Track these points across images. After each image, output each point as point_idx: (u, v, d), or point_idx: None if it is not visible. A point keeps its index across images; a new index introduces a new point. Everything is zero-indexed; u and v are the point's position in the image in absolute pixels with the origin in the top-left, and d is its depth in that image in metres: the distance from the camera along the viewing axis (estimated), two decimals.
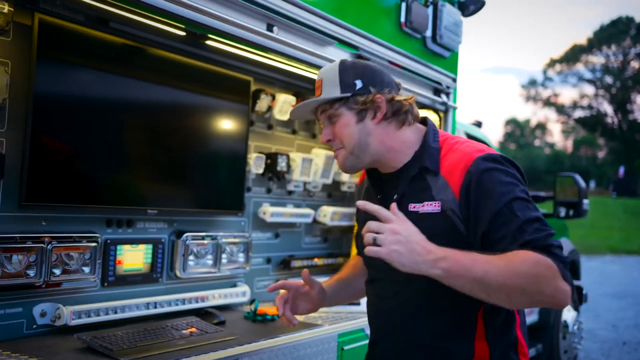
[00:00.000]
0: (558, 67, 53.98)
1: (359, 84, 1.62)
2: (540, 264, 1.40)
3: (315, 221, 3.08)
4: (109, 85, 2.12)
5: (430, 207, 1.59)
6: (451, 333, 1.58)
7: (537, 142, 62.53)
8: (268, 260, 2.88)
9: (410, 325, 1.62)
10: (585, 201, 4.73)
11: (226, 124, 2.54)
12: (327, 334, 2.34)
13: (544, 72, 54.88)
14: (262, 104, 2.69)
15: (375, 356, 1.75)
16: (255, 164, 2.69)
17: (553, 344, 5.38)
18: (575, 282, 5.96)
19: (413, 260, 1.40)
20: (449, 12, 2.93)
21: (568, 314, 5.66)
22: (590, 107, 53.98)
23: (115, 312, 2.13)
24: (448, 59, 3.10)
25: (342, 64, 1.67)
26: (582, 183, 4.77)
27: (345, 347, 2.41)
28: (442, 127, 3.10)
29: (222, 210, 2.56)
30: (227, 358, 1.92)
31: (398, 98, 1.65)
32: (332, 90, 1.63)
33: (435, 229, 1.53)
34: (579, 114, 53.50)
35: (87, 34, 2.03)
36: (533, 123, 62.03)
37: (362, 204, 1.52)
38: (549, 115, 72.20)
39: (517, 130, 63.24)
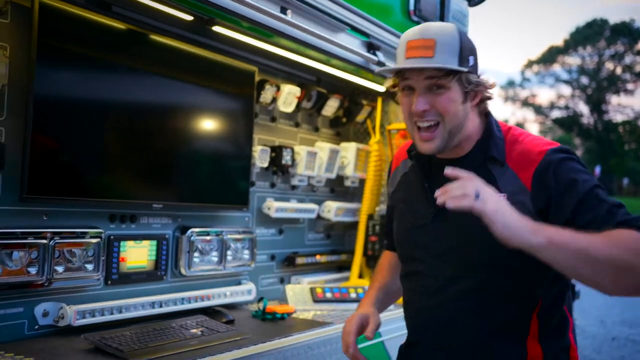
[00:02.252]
0: (535, 67, 54.63)
1: (471, 60, 1.50)
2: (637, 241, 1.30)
3: (318, 217, 2.99)
4: (112, 73, 2.01)
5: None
6: (504, 333, 1.48)
7: None
8: (272, 257, 2.78)
9: (459, 325, 1.50)
10: None
11: (231, 115, 2.45)
12: (340, 332, 2.25)
13: (522, 73, 55.51)
14: (267, 95, 2.59)
15: (414, 358, 1.64)
16: (260, 157, 2.59)
17: None
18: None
19: (516, 226, 1.27)
20: (456, 2, 2.87)
21: None
22: (567, 107, 54.67)
23: (120, 312, 2.02)
24: None
25: (460, 32, 1.51)
26: None
27: (360, 345, 2.32)
28: None
29: (227, 205, 2.46)
30: (242, 358, 1.83)
31: (487, 84, 1.55)
32: (449, 58, 1.46)
33: (478, 223, 1.35)
34: (556, 114, 54.16)
35: (89, 18, 1.92)
36: (511, 123, 62.65)
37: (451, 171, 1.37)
38: (527, 116, 72.88)
39: None
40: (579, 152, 57.24)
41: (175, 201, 2.25)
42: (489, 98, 1.57)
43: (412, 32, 1.51)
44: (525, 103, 55.78)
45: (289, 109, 2.69)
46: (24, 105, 1.75)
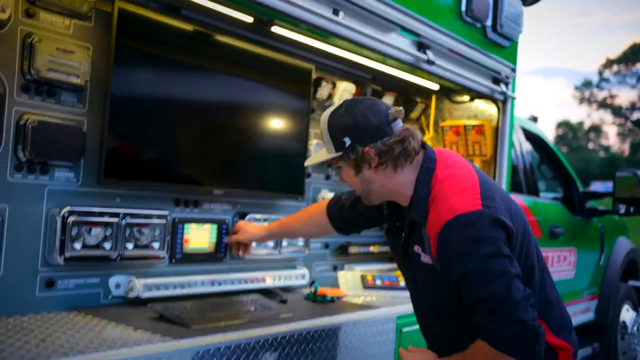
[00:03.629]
0: (615, 67, 52.40)
1: (347, 141, 1.69)
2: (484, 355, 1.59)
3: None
4: (181, 71, 2.21)
5: (425, 258, 1.74)
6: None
7: (590, 145, 60.72)
8: (326, 246, 2.93)
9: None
10: None
11: (289, 111, 2.62)
12: (386, 315, 2.38)
13: (600, 72, 53.35)
14: (323, 91, 2.75)
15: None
16: (316, 151, 2.75)
17: (611, 344, 5.25)
18: (634, 283, 5.82)
19: None
20: (510, 2, 2.93)
21: (627, 314, 5.52)
22: None
23: (183, 288, 2.22)
24: (507, 49, 3.09)
25: (330, 122, 1.72)
26: None
27: (404, 329, 2.45)
28: (501, 118, 3.09)
29: (283, 194, 2.63)
30: (290, 332, 1.99)
31: (388, 143, 1.68)
32: (329, 147, 1.73)
33: (434, 280, 1.73)
34: (637, 115, 51.77)
35: (161, 21, 2.13)
36: (587, 125, 60.30)
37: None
38: (605, 118, 70.03)
39: (570, 133, 61.57)
40: None
41: (235, 189, 2.44)
42: (396, 155, 1.68)
43: None
44: (603, 104, 53.66)
45: None
46: (102, 100, 1.98)
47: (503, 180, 3.09)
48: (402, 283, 2.80)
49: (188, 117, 2.25)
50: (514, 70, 3.10)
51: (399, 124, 1.71)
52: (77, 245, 1.93)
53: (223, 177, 2.40)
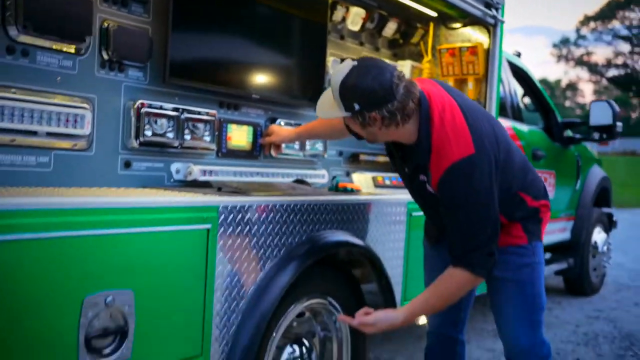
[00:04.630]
0: (592, 24, 52.68)
1: (356, 106, 1.95)
2: (465, 284, 2.11)
3: None
4: None
5: (430, 188, 2.15)
6: None
7: (567, 104, 61.49)
8: (340, 154, 3.35)
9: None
10: (619, 124, 5.08)
11: (310, 32, 3.00)
12: (398, 200, 2.83)
13: (577, 30, 53.64)
14: (338, 14, 3.14)
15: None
16: (333, 67, 3.15)
17: (583, 260, 5.82)
18: (606, 210, 6.36)
19: (391, 325, 2.18)
20: None
21: (598, 236, 6.09)
22: (625, 65, 52.79)
23: (230, 175, 2.64)
24: None
25: (342, 88, 1.95)
26: (616, 107, 5.13)
27: (414, 214, 2.90)
28: (492, 41, 3.50)
29: (306, 102, 3.03)
30: (321, 201, 2.42)
31: (391, 109, 1.93)
32: (339, 106, 1.99)
33: (436, 204, 2.15)
34: (612, 73, 52.41)
35: None
36: (564, 83, 60.98)
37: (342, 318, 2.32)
38: (581, 75, 70.81)
39: (548, 91, 62.15)
40: (635, 114, 55.47)
41: (268, 95, 2.83)
42: (399, 117, 1.97)
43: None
44: (580, 62, 54.18)
45: (356, 27, 3.23)
46: (166, 10, 2.35)
47: (493, 97, 3.52)
48: None
49: (232, 31, 2.63)
50: None
51: (400, 89, 1.94)
52: (148, 132, 2.32)
53: (258, 85, 2.79)
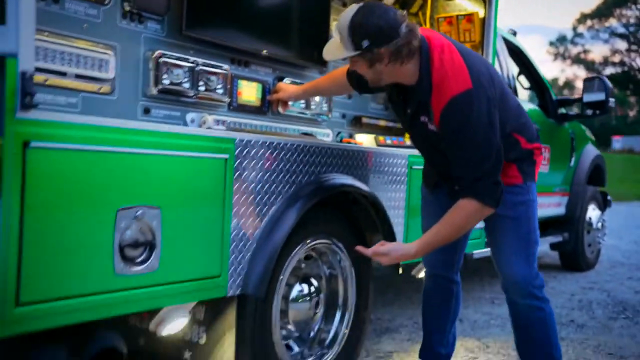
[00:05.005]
0: (589, 22, 52.90)
1: (365, 43, 2.08)
2: (475, 213, 2.23)
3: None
4: None
5: (432, 126, 2.30)
6: None
7: None
8: (343, 116, 3.52)
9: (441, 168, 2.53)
10: (611, 99, 5.25)
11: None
12: (399, 153, 3.00)
13: (574, 28, 53.90)
14: None
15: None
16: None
17: (578, 235, 5.99)
18: (601, 189, 6.54)
19: (406, 257, 2.34)
20: None
21: (593, 212, 6.26)
22: (622, 63, 53.03)
23: (241, 126, 2.81)
24: None
25: (351, 25, 2.08)
26: (609, 83, 5.30)
27: (414, 167, 3.07)
28: (487, 10, 3.67)
29: (310, 63, 3.19)
30: (327, 145, 2.59)
31: (397, 45, 2.09)
32: (347, 45, 2.12)
33: (438, 140, 2.30)
34: (609, 71, 52.67)
35: None
36: (561, 82, 61.24)
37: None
38: (578, 73, 71.01)
39: None
40: (633, 112, 55.67)
41: (276, 53, 3.00)
42: (405, 53, 2.14)
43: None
44: (577, 60, 54.46)
45: None
46: None
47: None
48: (408, 142, 3.41)
49: None
50: None
51: (403, 27, 2.11)
52: (166, 81, 2.48)
53: (267, 44, 2.95)
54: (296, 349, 2.66)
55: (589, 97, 5.40)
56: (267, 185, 2.29)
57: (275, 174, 2.33)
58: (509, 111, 2.38)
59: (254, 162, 2.23)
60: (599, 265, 6.67)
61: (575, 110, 5.94)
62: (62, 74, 2.16)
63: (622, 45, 51.54)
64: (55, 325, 1.67)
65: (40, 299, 1.62)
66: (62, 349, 1.87)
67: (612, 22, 50.59)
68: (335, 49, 2.21)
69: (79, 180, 1.69)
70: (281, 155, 2.35)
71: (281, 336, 2.49)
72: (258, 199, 2.25)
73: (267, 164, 2.29)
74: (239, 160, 2.16)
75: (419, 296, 2.98)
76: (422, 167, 2.99)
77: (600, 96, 5.31)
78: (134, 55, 2.42)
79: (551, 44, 57.69)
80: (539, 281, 2.44)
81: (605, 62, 53.21)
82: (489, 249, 4.41)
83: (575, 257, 6.12)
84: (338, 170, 2.63)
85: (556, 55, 55.64)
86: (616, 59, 52.98)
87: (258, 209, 2.25)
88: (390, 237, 2.86)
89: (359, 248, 2.38)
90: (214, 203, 2.08)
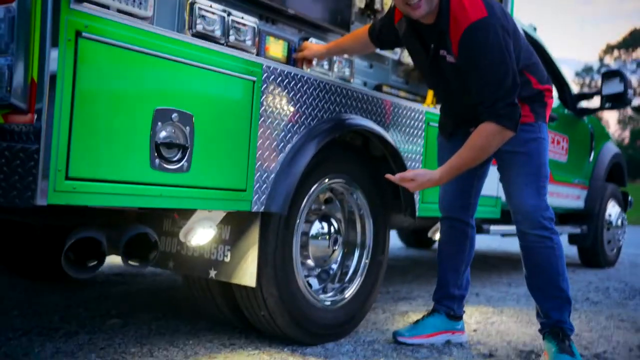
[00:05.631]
0: (616, 53, 52.80)
1: None
2: (493, 135, 2.35)
3: (399, 62, 3.87)
4: None
5: (450, 58, 2.45)
6: None
7: None
8: (365, 84, 3.69)
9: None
10: (630, 91, 5.35)
11: None
12: (418, 107, 3.15)
13: (600, 59, 53.80)
14: None
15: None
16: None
17: (597, 231, 6.02)
18: (622, 189, 6.59)
19: (431, 183, 2.49)
20: None
21: (613, 209, 6.29)
22: None
23: None
24: None
25: None
26: (626, 76, 5.41)
27: (431, 124, 3.21)
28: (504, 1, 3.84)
29: (333, 26, 3.37)
30: (349, 87, 2.75)
31: None
32: None
33: (457, 73, 2.46)
34: (637, 102, 52.26)
35: None
36: None
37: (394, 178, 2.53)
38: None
39: None
40: None
41: (298, 12, 3.18)
42: None
43: None
44: None
45: None
46: None
47: None
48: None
49: None
50: None
51: None
52: (199, 27, 2.67)
53: (294, 3, 3.14)
54: (316, 283, 2.80)
55: (607, 90, 5.51)
56: (290, 114, 2.46)
57: (298, 105, 2.49)
58: (520, 48, 2.52)
59: (279, 89, 2.40)
60: (619, 265, 6.68)
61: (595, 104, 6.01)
62: (105, 7, 2.36)
63: None
64: (98, 204, 1.84)
65: (86, 177, 1.79)
66: (102, 230, 2.03)
67: None
68: None
69: (123, 76, 1.87)
70: (304, 88, 2.52)
71: (301, 264, 2.62)
72: (282, 125, 2.42)
73: (292, 94, 2.46)
74: (265, 85, 2.34)
75: (434, 272, 3.07)
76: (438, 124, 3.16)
77: (620, 88, 5.41)
78: (169, 1, 2.62)
79: (577, 74, 57.53)
80: (549, 213, 2.55)
81: (633, 92, 52.73)
82: (505, 227, 4.52)
83: (594, 252, 6.15)
84: (358, 113, 2.79)
85: (582, 86, 55.39)
86: None
87: (282, 134, 2.42)
88: (408, 193, 2.99)
89: (388, 176, 2.51)
90: (242, 120, 2.25)
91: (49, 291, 3.58)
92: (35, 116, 1.70)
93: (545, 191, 2.58)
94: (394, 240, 7.73)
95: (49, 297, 3.42)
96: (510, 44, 2.36)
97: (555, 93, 5.66)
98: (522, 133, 2.52)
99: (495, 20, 2.32)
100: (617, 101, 5.50)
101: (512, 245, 7.72)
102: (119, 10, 2.39)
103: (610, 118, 56.30)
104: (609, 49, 52.97)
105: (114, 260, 4.68)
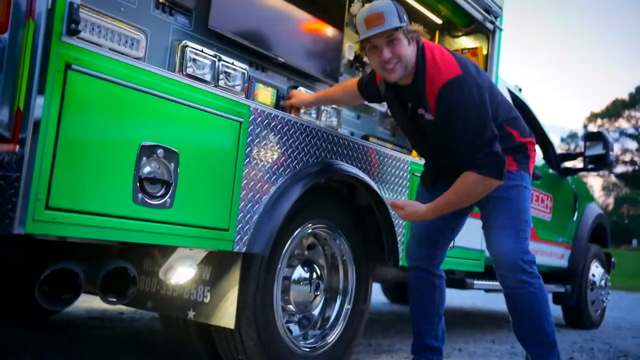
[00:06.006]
0: (599, 121, 53.95)
1: (404, 18, 2.44)
2: (475, 183, 2.42)
3: (387, 115, 3.93)
4: None
5: (428, 116, 2.54)
6: None
7: None
8: (352, 134, 3.73)
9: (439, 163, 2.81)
10: (612, 153, 5.45)
11: (327, 17, 3.46)
12: (402, 157, 3.19)
13: (585, 127, 54.89)
14: (355, 7, 3.60)
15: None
16: (348, 52, 3.59)
17: (581, 291, 6.01)
18: (605, 250, 6.62)
19: (422, 216, 2.58)
20: None
21: (596, 270, 6.30)
22: (632, 162, 53.56)
23: None
24: None
25: (393, 5, 2.42)
26: (609, 138, 5.52)
27: (416, 174, 3.24)
28: (490, 46, 3.95)
29: (322, 77, 3.43)
30: (335, 134, 2.78)
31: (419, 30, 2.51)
32: (394, 20, 2.42)
33: (435, 129, 2.54)
34: (621, 169, 53.16)
35: None
36: None
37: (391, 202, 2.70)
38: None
39: None
40: None
41: (290, 61, 3.24)
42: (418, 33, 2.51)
43: (365, 11, 2.47)
44: None
45: None
46: None
47: None
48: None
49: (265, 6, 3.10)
50: (500, 8, 3.98)
51: None
52: (190, 70, 2.72)
53: (284, 52, 3.21)
54: (296, 329, 2.75)
55: (590, 152, 5.60)
56: (276, 156, 2.48)
57: (284, 148, 2.51)
58: (498, 102, 2.59)
59: (265, 131, 2.43)
60: (604, 326, 6.64)
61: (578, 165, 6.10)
62: (98, 46, 2.39)
63: (632, 145, 52.28)
64: (77, 237, 1.82)
65: (67, 207, 1.78)
66: (80, 263, 2.00)
67: (622, 123, 51.59)
68: (387, 22, 2.40)
69: (111, 110, 1.89)
70: (291, 132, 2.55)
71: (282, 309, 2.59)
72: (267, 167, 2.43)
73: (278, 137, 2.48)
74: (252, 127, 2.36)
75: None
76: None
77: (602, 150, 5.51)
78: (163, 43, 2.67)
79: (562, 140, 58.56)
80: (528, 256, 2.55)
81: (616, 160, 53.72)
82: (489, 282, 4.50)
83: (578, 312, 6.11)
84: (343, 159, 2.82)
85: (567, 152, 56.25)
86: (627, 158, 53.51)
87: (267, 176, 2.43)
88: (390, 231, 2.99)
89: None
90: (227, 160, 2.26)
91: (21, 334, 3.49)
92: (18, 145, 1.70)
93: (526, 236, 2.59)
94: (378, 295, 7.66)
95: (22, 340, 3.33)
96: (485, 98, 2.42)
97: (539, 153, 5.75)
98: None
99: (469, 77, 2.39)
100: (599, 163, 5.59)
101: (496, 302, 7.66)
102: (111, 49, 2.44)
103: (595, 184, 57.05)
104: (593, 117, 54.16)
105: (91, 303, 4.58)
